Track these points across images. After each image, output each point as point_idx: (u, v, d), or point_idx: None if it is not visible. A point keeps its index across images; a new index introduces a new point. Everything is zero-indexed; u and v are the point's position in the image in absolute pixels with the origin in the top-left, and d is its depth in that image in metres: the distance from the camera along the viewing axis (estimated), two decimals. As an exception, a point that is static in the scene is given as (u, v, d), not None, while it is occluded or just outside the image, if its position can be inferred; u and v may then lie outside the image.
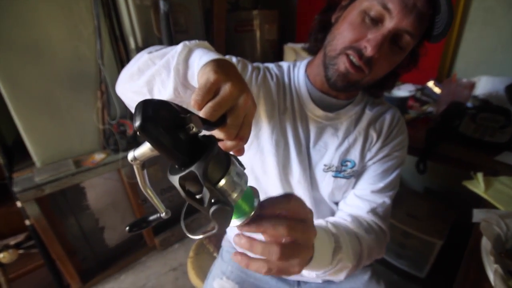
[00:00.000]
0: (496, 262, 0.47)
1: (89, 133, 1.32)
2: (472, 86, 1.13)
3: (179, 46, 0.41)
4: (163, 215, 0.36)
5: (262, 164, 0.63)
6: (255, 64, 0.65)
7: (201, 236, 0.36)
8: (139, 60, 0.46)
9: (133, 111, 0.56)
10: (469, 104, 1.17)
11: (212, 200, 0.28)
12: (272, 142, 0.61)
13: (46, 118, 1.18)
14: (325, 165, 0.62)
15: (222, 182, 0.29)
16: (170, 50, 0.43)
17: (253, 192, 0.34)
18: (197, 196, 0.29)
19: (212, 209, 0.28)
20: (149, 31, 1.28)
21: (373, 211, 0.61)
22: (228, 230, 0.89)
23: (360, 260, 0.54)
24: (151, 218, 0.38)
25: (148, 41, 1.28)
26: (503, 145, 0.90)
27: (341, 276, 0.51)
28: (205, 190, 0.27)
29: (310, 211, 0.37)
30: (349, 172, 0.63)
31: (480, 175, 0.75)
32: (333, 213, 0.68)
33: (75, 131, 1.27)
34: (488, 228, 0.55)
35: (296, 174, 0.62)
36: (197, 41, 0.42)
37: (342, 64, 0.52)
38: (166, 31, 1.27)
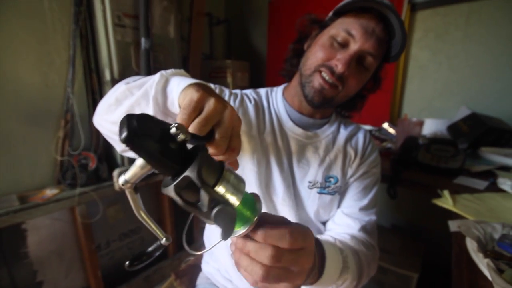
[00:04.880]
0: (486, 257, 0.49)
1: (43, 165, 1.17)
2: (421, 123, 1.31)
3: (157, 76, 0.42)
4: (163, 241, 0.32)
5: None
6: (234, 91, 0.69)
7: (204, 251, 0.32)
8: (117, 91, 0.47)
9: (111, 142, 0.54)
10: (420, 142, 1.33)
11: (212, 204, 0.27)
12: (254, 162, 0.61)
13: (-7, 145, 1.04)
14: (309, 182, 0.63)
15: (219, 186, 0.28)
16: (148, 80, 0.44)
17: (254, 196, 0.33)
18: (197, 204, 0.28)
19: (214, 211, 0.26)
20: (127, 65, 1.30)
21: (363, 228, 0.62)
22: (203, 265, 0.80)
23: (361, 278, 0.53)
24: (151, 248, 0.33)
25: (125, 74, 1.28)
26: (457, 170, 1.01)
27: None
28: (202, 193, 0.26)
29: (311, 239, 0.34)
30: (333, 188, 0.64)
31: (446, 192, 0.81)
32: (320, 234, 0.67)
33: (26, 162, 1.12)
34: (468, 230, 0.58)
35: (280, 192, 0.62)
36: (173, 70, 0.45)
37: (316, 81, 0.58)
38: (146, 67, 1.30)
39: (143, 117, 0.26)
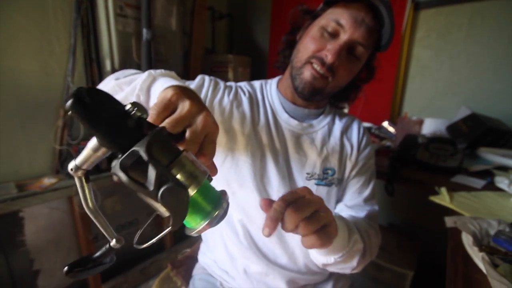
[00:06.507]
0: (481, 251, 0.49)
1: (42, 154, 1.17)
2: (421, 122, 1.31)
3: (145, 74, 0.42)
4: (113, 243, 0.27)
5: (237, 177, 0.62)
6: (228, 83, 0.69)
7: (153, 241, 0.27)
8: (106, 86, 0.47)
9: None
10: (419, 140, 1.33)
11: (160, 181, 0.23)
12: (248, 154, 0.61)
13: (-9, 133, 1.03)
14: (307, 173, 0.64)
15: (171, 170, 0.25)
16: (137, 77, 0.44)
17: (221, 192, 0.30)
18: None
19: (161, 190, 0.23)
20: (128, 56, 1.29)
21: (367, 216, 0.63)
22: (200, 256, 0.80)
23: (366, 247, 0.55)
24: (98, 253, 0.28)
25: (126, 65, 1.28)
26: (455, 169, 1.02)
27: (354, 262, 0.52)
28: (150, 168, 0.23)
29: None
30: (330, 180, 0.65)
31: (444, 189, 0.82)
32: None
33: (24, 151, 1.12)
34: (464, 225, 0.58)
35: (274, 183, 0.62)
36: (162, 70, 0.44)
37: (307, 72, 0.58)
38: (147, 58, 1.30)
39: (96, 90, 0.24)
